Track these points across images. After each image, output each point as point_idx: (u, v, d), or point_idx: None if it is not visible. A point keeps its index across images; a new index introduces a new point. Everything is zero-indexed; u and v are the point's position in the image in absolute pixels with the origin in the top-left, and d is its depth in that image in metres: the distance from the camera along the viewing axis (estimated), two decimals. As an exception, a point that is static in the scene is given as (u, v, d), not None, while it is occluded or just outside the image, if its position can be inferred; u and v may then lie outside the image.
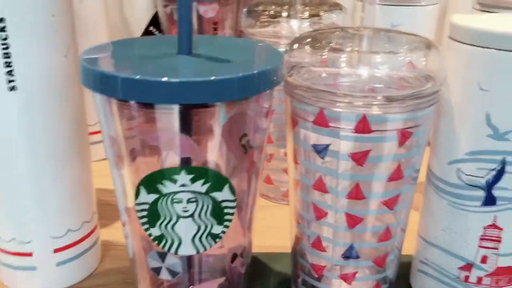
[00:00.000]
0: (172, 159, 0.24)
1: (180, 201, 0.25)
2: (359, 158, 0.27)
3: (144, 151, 0.25)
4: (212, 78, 0.22)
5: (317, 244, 0.30)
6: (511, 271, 0.30)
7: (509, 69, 0.26)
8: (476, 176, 0.28)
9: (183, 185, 0.24)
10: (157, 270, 0.28)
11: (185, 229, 0.25)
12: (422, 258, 0.32)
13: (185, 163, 0.24)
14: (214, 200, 0.25)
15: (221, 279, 0.29)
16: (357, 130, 0.26)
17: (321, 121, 0.27)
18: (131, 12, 0.59)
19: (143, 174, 0.25)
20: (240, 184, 0.26)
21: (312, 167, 0.29)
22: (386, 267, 0.30)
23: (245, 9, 0.43)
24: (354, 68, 0.28)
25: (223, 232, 0.26)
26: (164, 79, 0.21)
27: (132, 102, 0.23)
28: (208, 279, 0.29)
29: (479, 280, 0.30)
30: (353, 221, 0.28)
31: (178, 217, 0.25)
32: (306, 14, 0.41)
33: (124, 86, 0.22)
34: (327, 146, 0.27)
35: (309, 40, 0.30)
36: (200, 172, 0.24)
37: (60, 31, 0.29)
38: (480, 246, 0.29)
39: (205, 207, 0.25)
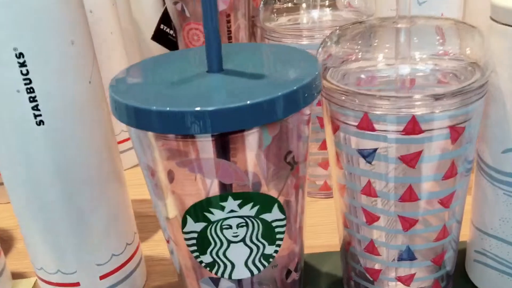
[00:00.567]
0: (217, 186, 0.23)
1: (229, 227, 0.24)
2: (410, 160, 0.25)
3: (187, 180, 0.24)
4: (252, 102, 0.20)
5: (371, 248, 0.29)
6: None
7: None
8: (534, 164, 0.26)
9: (231, 211, 0.23)
10: (211, 293, 0.27)
11: (237, 253, 0.25)
12: (479, 248, 0.31)
13: (230, 189, 0.23)
14: (264, 221, 0.24)
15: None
16: (407, 131, 0.25)
17: (366, 125, 0.25)
18: (141, 12, 0.57)
19: (188, 203, 0.24)
20: (288, 201, 0.25)
21: (359, 172, 0.27)
22: (444, 263, 0.29)
23: (261, 3, 0.41)
24: (395, 65, 0.26)
25: (276, 251, 0.25)
26: (200, 108, 0.20)
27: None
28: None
29: (543, 268, 0.29)
30: (407, 223, 0.27)
31: (229, 242, 0.24)
32: (326, 2, 0.39)
33: (159, 119, 0.21)
34: (375, 150, 0.26)
35: (341, 36, 0.28)
36: (247, 197, 0.23)
37: (82, 57, 0.28)
38: (542, 235, 0.28)
39: (255, 230, 0.24)
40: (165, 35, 0.59)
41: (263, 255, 0.25)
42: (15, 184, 0.30)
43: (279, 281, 0.28)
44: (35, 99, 0.27)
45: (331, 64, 0.27)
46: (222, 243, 0.24)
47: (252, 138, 0.22)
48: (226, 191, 0.23)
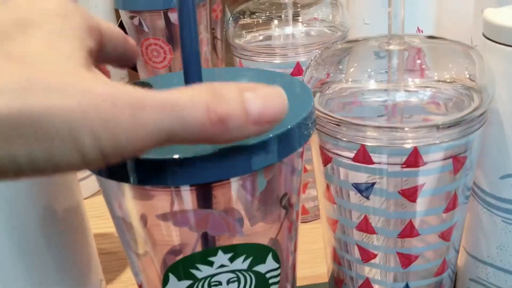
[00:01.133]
0: (204, 239, 0.20)
1: (219, 283, 0.21)
2: (411, 194, 0.23)
3: (169, 233, 0.21)
4: (238, 150, 0.17)
5: (366, 287, 0.27)
6: None
7: None
8: (535, 190, 0.25)
9: (221, 266, 0.20)
10: None
11: (228, 311, 0.22)
12: (474, 276, 0.29)
13: (213, 242, 0.20)
14: (257, 274, 0.21)
15: None
16: (408, 164, 0.22)
17: (363, 158, 0.23)
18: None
19: (170, 260, 0.20)
20: (283, 247, 0.22)
21: (354, 207, 0.25)
22: (442, 297, 0.28)
23: (230, 18, 0.38)
24: (387, 90, 0.24)
25: (269, 303, 0.23)
26: (183, 157, 0.17)
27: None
28: None
29: (543, 296, 0.27)
30: (407, 260, 0.25)
31: None
32: (299, 18, 0.37)
33: (135, 170, 0.17)
34: (372, 184, 0.24)
35: (328, 59, 0.26)
36: (239, 249, 0.20)
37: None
38: (543, 262, 0.27)
39: (248, 285, 0.21)
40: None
41: None
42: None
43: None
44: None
45: (318, 88, 0.25)
46: None
47: (244, 184, 0.20)
48: (210, 244, 0.20)
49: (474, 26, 0.36)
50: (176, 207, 0.20)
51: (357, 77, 0.25)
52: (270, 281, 0.22)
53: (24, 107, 0.13)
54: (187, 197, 0.19)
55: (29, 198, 0.25)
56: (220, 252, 0.20)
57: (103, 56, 0.19)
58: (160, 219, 0.20)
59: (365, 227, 0.25)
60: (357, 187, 0.24)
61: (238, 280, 0.21)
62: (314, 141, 0.26)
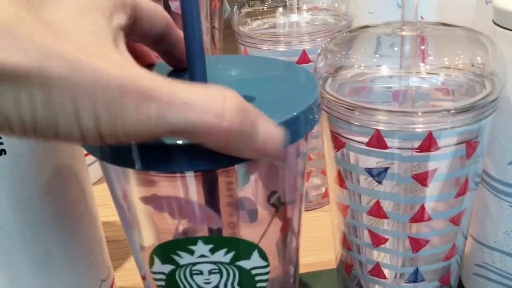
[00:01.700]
0: (188, 228, 0.20)
1: (200, 273, 0.21)
2: (424, 179, 0.23)
3: (159, 218, 0.21)
4: None
5: (376, 272, 0.27)
6: None
7: None
8: (543, 176, 0.25)
9: (202, 256, 0.20)
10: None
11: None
12: (479, 261, 0.30)
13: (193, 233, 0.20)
14: (241, 269, 0.21)
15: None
16: (422, 148, 0.23)
17: (377, 142, 0.23)
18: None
19: (156, 243, 0.20)
20: (273, 246, 0.22)
21: (366, 192, 0.25)
22: (450, 282, 0.28)
23: (235, 6, 0.38)
24: (399, 75, 0.25)
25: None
26: (187, 143, 0.17)
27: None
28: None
29: (549, 280, 0.28)
30: (418, 244, 0.25)
31: None
32: (304, 6, 0.36)
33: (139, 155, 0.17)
34: (386, 169, 0.24)
35: (341, 44, 0.26)
36: (220, 242, 0.20)
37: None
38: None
39: (231, 278, 0.21)
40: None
41: None
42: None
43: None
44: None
45: (330, 74, 0.25)
46: None
47: (226, 176, 0.19)
48: (191, 234, 0.20)
49: (476, 13, 0.36)
50: (162, 193, 0.19)
51: (369, 62, 0.25)
52: (257, 278, 0.22)
53: (39, 70, 0.13)
54: (170, 184, 0.19)
55: (38, 188, 0.25)
56: (200, 242, 0.20)
57: (139, 33, 0.19)
58: (151, 202, 0.20)
59: (377, 212, 0.25)
60: (370, 172, 0.24)
61: (220, 272, 0.21)
62: (325, 126, 0.26)
